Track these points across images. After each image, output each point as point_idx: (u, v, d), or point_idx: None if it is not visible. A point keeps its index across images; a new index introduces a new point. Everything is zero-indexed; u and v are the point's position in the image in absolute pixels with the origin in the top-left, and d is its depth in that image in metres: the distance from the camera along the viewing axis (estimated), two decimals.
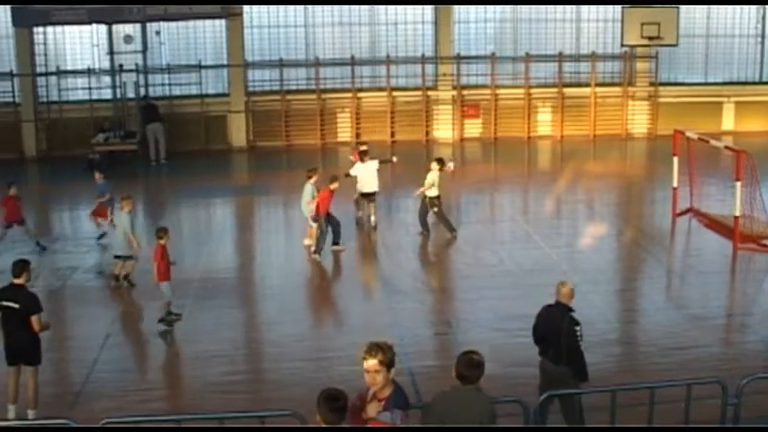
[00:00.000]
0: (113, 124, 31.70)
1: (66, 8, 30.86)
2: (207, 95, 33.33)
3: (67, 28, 32.51)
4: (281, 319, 16.50)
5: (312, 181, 20.57)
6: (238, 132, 33.51)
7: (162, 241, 16.06)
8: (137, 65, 32.26)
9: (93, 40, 32.75)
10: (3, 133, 32.57)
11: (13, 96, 32.89)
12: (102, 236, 21.66)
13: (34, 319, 12.55)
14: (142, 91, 32.55)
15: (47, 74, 32.83)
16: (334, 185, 20.11)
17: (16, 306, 12.52)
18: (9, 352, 12.68)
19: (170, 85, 32.98)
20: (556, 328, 11.10)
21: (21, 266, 12.79)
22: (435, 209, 21.25)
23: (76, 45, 33.19)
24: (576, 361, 11.06)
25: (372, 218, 22.30)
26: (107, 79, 32.53)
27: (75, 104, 32.82)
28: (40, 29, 32.42)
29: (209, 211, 26.15)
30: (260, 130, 33.61)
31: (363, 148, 23.11)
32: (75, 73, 32.96)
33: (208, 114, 33.24)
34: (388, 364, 7.72)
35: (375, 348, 7.74)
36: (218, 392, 13.23)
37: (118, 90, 32.15)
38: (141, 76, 32.45)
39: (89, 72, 32.66)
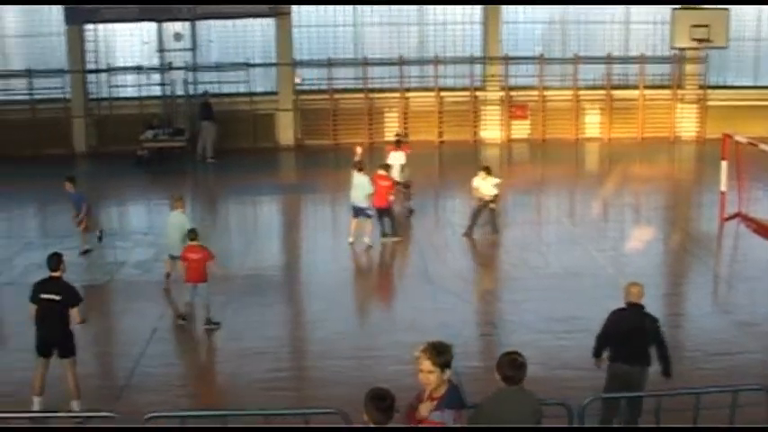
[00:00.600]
0: (162, 121, 31.97)
1: (118, 6, 31.19)
2: (255, 94, 33.47)
3: (118, 25, 32.79)
4: (326, 317, 16.54)
5: (363, 173, 20.72)
6: (286, 131, 33.63)
7: (194, 243, 16.12)
8: (186, 62, 32.48)
9: (143, 38, 32.97)
10: (53, 129, 32.93)
11: (65, 93, 33.22)
12: (86, 252, 20.81)
13: (74, 311, 12.68)
14: (197, 89, 32.69)
15: (97, 71, 33.15)
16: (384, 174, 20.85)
17: (58, 298, 12.64)
18: (42, 344, 12.74)
19: (219, 83, 33.11)
20: (635, 329, 11.12)
21: (57, 259, 12.95)
22: (492, 206, 21.18)
23: (127, 42, 33.45)
24: (666, 356, 11.20)
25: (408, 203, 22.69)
26: (156, 76, 32.79)
27: (124, 101, 33.09)
28: (91, 26, 32.73)
29: (257, 208, 26.28)
30: (308, 128, 33.71)
31: (398, 138, 23.39)
32: (125, 70, 33.23)
33: (256, 112, 33.37)
34: (442, 364, 7.68)
35: (429, 349, 7.69)
36: (262, 389, 13.28)
37: (167, 87, 32.42)
38: (190, 74, 32.63)
39: (139, 69, 32.92)
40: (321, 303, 17.45)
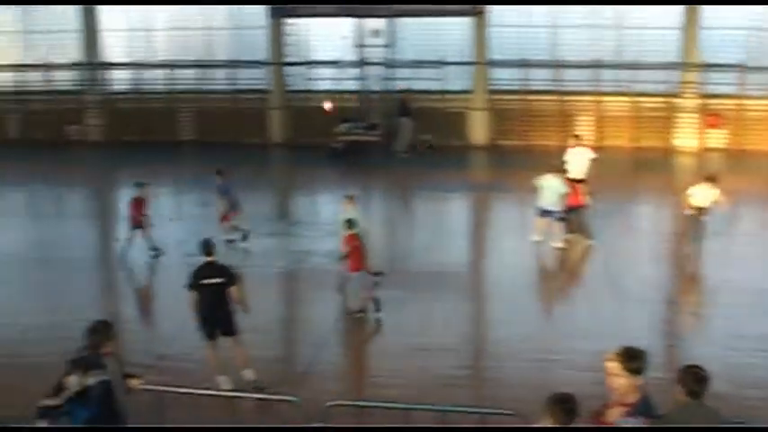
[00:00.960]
0: (356, 115, 32.49)
1: (320, 5, 31.99)
2: (448, 92, 33.58)
3: (317, 20, 33.50)
4: (508, 318, 16.52)
5: (555, 174, 20.61)
6: (478, 130, 33.61)
7: (351, 231, 16.36)
8: (382, 58, 32.91)
9: (341, 33, 33.56)
10: (252, 119, 34.03)
11: (264, 84, 34.21)
12: (231, 242, 20.97)
13: (234, 289, 13.14)
14: (393, 85, 33.08)
15: (296, 63, 33.99)
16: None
17: (222, 281, 13.13)
18: (210, 327, 13.23)
19: (413, 79, 33.35)
20: None
21: (212, 244, 13.57)
22: (702, 217, 20.55)
23: (325, 37, 34.14)
24: None
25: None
26: (353, 71, 33.35)
27: (321, 94, 33.78)
28: (292, 20, 33.58)
29: (445, 205, 26.37)
30: (499, 128, 33.59)
31: (577, 134, 23.14)
32: (322, 64, 33.94)
33: (448, 110, 33.47)
34: (633, 370, 7.57)
35: (622, 353, 7.62)
36: (441, 385, 13.38)
37: (363, 82, 32.95)
38: (386, 70, 33.01)
39: (336, 64, 33.56)
40: (504, 304, 17.44)
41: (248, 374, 13.22)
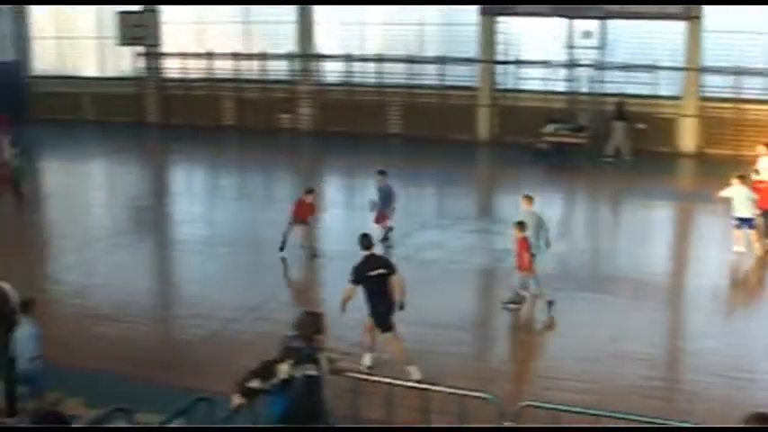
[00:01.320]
0: (564, 116, 32.42)
1: (532, 4, 32.08)
2: (659, 97, 32.97)
3: (529, 19, 33.55)
4: (705, 331, 16.30)
5: (743, 181, 20.29)
6: (687, 137, 32.89)
7: (521, 234, 16.59)
8: (592, 60, 32.69)
9: (552, 33, 33.52)
10: (459, 115, 34.47)
11: (473, 81, 34.54)
12: (385, 240, 20.79)
13: (395, 278, 13.61)
14: (602, 87, 32.76)
15: (506, 62, 34.16)
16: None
17: (386, 271, 13.60)
18: (387, 317, 13.79)
19: (623, 83, 32.89)
20: None
21: (370, 237, 14.11)
22: None
23: (536, 36, 34.17)
24: None
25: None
26: (562, 72, 33.28)
27: (529, 94, 33.81)
28: (504, 18, 33.77)
29: (649, 212, 25.97)
30: (710, 136, 32.74)
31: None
32: (532, 63, 33.98)
33: (657, 116, 32.84)
34: None
35: None
36: (635, 395, 13.35)
37: (572, 84, 32.85)
38: (596, 72, 32.76)
39: (545, 64, 33.54)
40: (702, 315, 17.19)
41: (412, 371, 13.49)
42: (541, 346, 15.48)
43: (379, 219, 20.93)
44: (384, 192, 21.08)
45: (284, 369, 8.85)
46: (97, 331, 15.73)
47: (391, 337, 13.89)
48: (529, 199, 18.16)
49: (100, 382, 13.43)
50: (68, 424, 5.68)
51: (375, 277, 13.69)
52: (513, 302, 16.84)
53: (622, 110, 31.61)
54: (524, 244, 16.63)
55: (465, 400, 9.78)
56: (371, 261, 13.90)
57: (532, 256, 16.77)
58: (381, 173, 21.24)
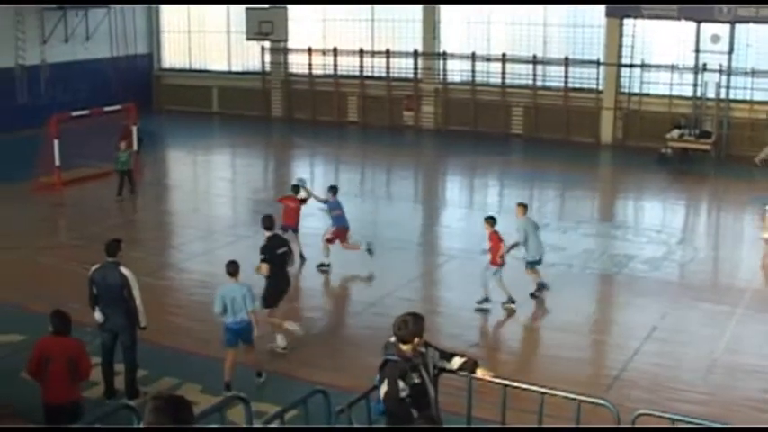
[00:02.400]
0: (689, 122, 31.86)
1: (659, 6, 31.55)
2: None
3: (655, 22, 33.06)
4: None
5: None
6: None
7: (491, 229, 17.09)
8: (720, 65, 32.03)
9: (679, 37, 32.96)
10: (583, 118, 34.19)
11: (597, 84, 34.21)
12: (322, 265, 19.55)
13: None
14: (730, 93, 32.06)
15: (631, 65, 33.71)
16: None
17: (287, 249, 15.48)
18: (278, 296, 15.46)
19: (751, 89, 32.14)
20: None
21: (271, 217, 15.71)
22: None
23: (662, 40, 33.64)
24: None
25: None
26: (689, 76, 32.70)
27: (654, 98, 33.29)
28: (630, 21, 33.36)
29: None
30: None
31: None
32: (658, 67, 33.45)
33: None
34: None
35: None
36: (751, 408, 13.18)
37: (698, 88, 32.25)
38: (724, 78, 32.06)
39: (672, 68, 33.00)
40: None
41: (279, 339, 15.12)
42: (658, 355, 15.28)
43: (338, 235, 19.61)
44: (333, 206, 19.71)
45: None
46: (219, 320, 16.11)
47: (268, 313, 15.04)
48: (523, 207, 18.15)
49: (217, 371, 13.75)
50: (190, 409, 5.83)
51: (281, 255, 15.06)
52: (511, 302, 17.15)
53: None
54: (495, 237, 17.05)
55: (580, 405, 9.73)
56: (276, 240, 15.18)
57: (531, 263, 17.56)
58: (331, 189, 20.01)
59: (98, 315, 13.27)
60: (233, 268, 13.66)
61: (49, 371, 11.25)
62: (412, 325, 8.70)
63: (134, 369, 13.49)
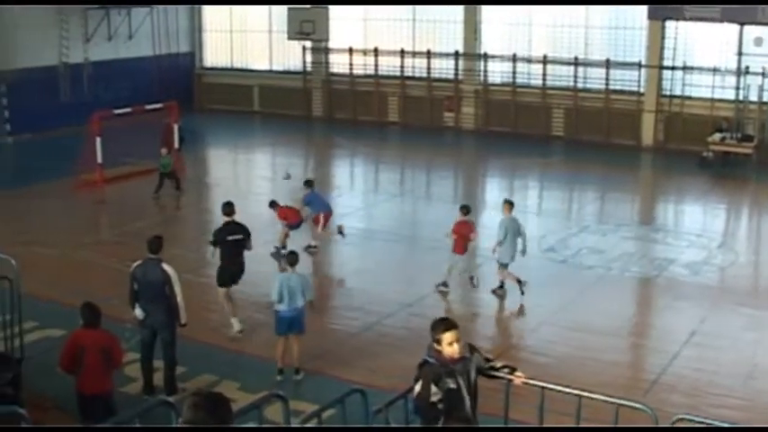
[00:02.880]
0: (731, 125, 31.61)
1: (701, 7, 31.31)
2: None
3: (698, 24, 32.83)
4: None
5: None
6: None
7: (464, 218, 18.07)
8: (763, 68, 31.74)
9: (722, 39, 32.71)
10: (624, 120, 34.01)
11: (639, 86, 34.02)
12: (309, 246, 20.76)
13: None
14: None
15: (673, 68, 33.50)
16: None
17: (243, 236, 16.07)
18: (228, 278, 16.19)
19: None
20: None
21: (232, 204, 16.29)
22: None
23: (705, 42, 33.40)
24: None
25: None
26: (731, 79, 32.43)
27: (696, 100, 33.05)
28: (673, 23, 33.15)
29: None
30: None
31: None
32: (700, 70, 33.21)
33: None
34: None
35: None
36: None
37: (741, 91, 31.98)
38: (767, 81, 31.80)
39: (714, 70, 32.74)
40: None
41: (234, 322, 15.69)
42: (697, 360, 15.19)
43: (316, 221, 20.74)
44: (306, 201, 20.95)
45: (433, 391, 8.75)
46: (258, 318, 16.22)
47: (224, 293, 15.80)
48: (509, 205, 18.21)
49: (255, 368, 13.82)
50: (229, 406, 5.89)
51: (232, 242, 15.70)
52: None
53: None
54: (466, 226, 18.04)
55: (618, 409, 9.70)
56: (230, 227, 15.80)
57: (504, 265, 17.80)
58: (307, 183, 21.30)
59: (138, 311, 13.42)
60: (293, 259, 14.36)
61: (85, 363, 11.43)
62: (437, 328, 8.84)
63: (173, 366, 13.60)
